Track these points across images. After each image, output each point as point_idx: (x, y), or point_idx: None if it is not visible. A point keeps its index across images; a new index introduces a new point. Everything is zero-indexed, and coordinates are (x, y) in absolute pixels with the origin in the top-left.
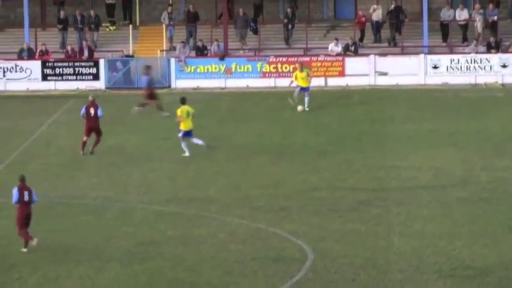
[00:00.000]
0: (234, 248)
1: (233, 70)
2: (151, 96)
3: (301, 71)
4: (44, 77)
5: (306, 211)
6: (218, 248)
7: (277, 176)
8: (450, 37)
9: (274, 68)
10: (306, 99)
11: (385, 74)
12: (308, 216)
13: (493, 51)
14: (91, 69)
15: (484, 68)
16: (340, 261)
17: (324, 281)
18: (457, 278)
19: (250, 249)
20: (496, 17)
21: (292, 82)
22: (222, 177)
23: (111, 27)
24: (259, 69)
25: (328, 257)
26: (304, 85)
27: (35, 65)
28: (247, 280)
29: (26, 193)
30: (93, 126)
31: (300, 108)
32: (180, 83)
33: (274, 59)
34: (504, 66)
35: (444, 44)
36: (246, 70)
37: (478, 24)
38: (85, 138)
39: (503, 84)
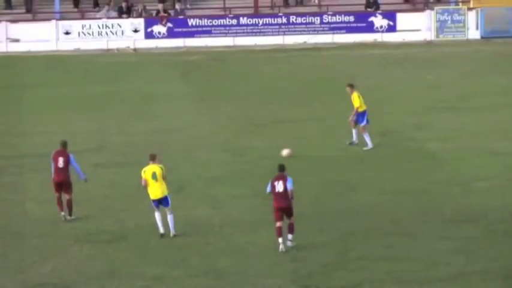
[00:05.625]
0: None
1: None
2: None
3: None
4: None
5: None
6: None
7: None
8: (81, 2)
9: None
10: None
11: (17, 40)
12: None
13: (124, 16)
14: None
15: (116, 33)
16: None
17: None
18: (94, 243)
19: None
20: None
21: None
22: None
23: None
24: None
25: None
26: None
27: None
28: None
29: None
30: None
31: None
32: None
33: None
34: (136, 31)
35: (76, 10)
36: None
37: None
38: None
39: (135, 49)
